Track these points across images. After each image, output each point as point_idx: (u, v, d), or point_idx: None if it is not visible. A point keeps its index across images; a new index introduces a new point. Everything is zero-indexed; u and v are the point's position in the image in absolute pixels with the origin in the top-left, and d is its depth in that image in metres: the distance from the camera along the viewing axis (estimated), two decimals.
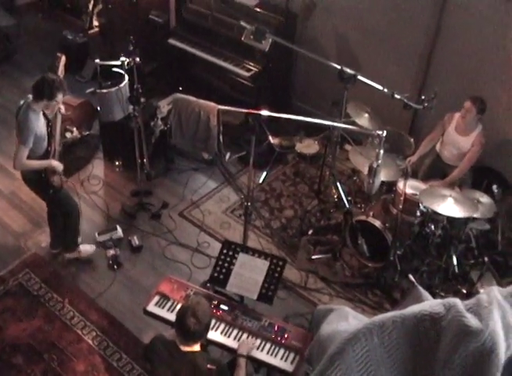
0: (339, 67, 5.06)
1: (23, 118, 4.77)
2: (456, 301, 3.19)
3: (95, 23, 8.68)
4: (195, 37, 7.36)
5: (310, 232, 5.97)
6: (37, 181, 5.09)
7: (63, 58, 5.27)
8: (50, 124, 5.05)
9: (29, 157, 4.84)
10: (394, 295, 5.42)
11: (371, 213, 5.48)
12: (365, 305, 5.34)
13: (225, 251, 4.45)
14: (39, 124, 4.84)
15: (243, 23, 5.26)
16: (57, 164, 5.06)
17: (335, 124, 5.00)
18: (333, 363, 3.20)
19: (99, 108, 6.04)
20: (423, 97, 5.25)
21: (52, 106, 4.90)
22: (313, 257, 5.75)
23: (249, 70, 6.84)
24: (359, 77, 5.04)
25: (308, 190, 6.55)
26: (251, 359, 3.98)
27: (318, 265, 5.70)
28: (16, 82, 8.39)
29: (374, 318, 3.30)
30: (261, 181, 6.58)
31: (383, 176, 4.84)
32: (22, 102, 4.91)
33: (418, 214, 5.29)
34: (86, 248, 5.72)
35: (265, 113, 4.29)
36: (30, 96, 4.85)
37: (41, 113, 4.92)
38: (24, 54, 9.09)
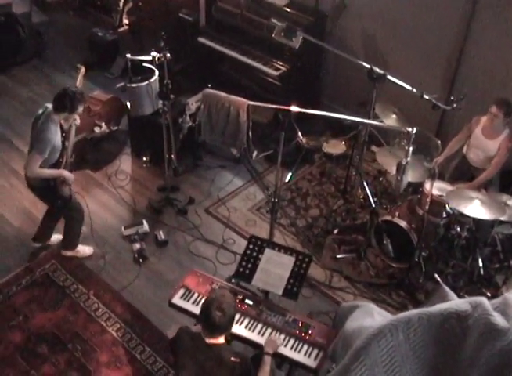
0: (368, 66, 5.09)
1: (44, 128, 4.84)
2: (483, 299, 3.18)
3: (125, 20, 8.80)
4: (224, 35, 7.43)
5: (335, 231, 5.99)
6: (45, 189, 5.14)
7: (83, 69, 5.40)
8: (64, 134, 5.09)
9: (40, 166, 4.89)
10: (418, 297, 5.42)
11: (397, 213, 5.49)
12: (389, 305, 5.34)
13: (251, 246, 4.49)
14: (57, 136, 4.92)
15: (273, 21, 5.30)
16: (68, 175, 5.10)
17: (364, 120, 4.99)
18: (358, 357, 3.21)
19: (128, 103, 6.11)
20: (452, 98, 5.25)
21: (72, 118, 4.99)
22: (338, 256, 5.76)
23: (277, 69, 6.88)
24: (388, 77, 5.05)
25: (334, 190, 6.57)
26: (275, 355, 3.99)
27: (342, 265, 5.72)
28: (46, 77, 8.57)
29: (400, 314, 3.30)
30: (287, 180, 6.61)
31: (410, 177, 4.84)
32: (41, 111, 4.98)
33: (444, 215, 5.29)
34: (85, 250, 5.79)
35: (294, 109, 4.32)
36: (50, 106, 4.91)
37: (59, 124, 5.00)
38: (55, 50, 9.25)
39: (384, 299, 5.41)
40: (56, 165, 5.05)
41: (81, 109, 4.95)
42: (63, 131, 5.06)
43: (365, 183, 5.99)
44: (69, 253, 5.73)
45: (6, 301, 5.30)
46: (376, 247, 5.69)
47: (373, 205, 5.74)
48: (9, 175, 6.77)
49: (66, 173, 5.08)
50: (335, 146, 6.43)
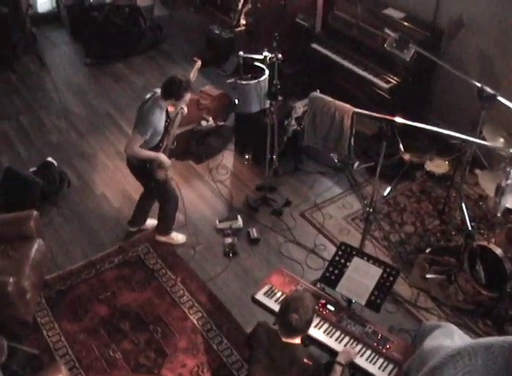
0: (479, 85, 5.03)
1: (149, 112, 5.03)
2: None
3: (243, 21, 9.01)
4: (338, 44, 7.49)
5: (428, 250, 5.92)
6: (141, 168, 5.33)
7: (199, 62, 5.57)
8: (168, 121, 5.27)
9: (140, 147, 5.10)
10: (505, 328, 5.27)
11: (493, 240, 5.36)
12: (474, 333, 5.21)
13: (340, 253, 4.53)
14: (161, 120, 5.10)
15: (387, 31, 5.32)
16: (164, 159, 5.25)
17: (470, 138, 4.92)
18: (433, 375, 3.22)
19: (236, 100, 6.29)
20: None
21: (179, 105, 5.17)
22: (427, 276, 5.70)
23: (388, 81, 6.88)
24: (499, 98, 4.98)
25: (431, 209, 6.50)
26: (349, 364, 4.00)
27: (431, 285, 5.65)
28: (160, 68, 8.98)
29: (482, 339, 3.25)
30: (385, 193, 6.60)
31: (509, 202, 4.74)
32: (149, 95, 5.18)
33: None
34: (178, 237, 5.98)
35: (399, 120, 4.34)
36: (158, 91, 5.11)
37: (165, 110, 5.19)
38: (172, 43, 9.66)
39: (469, 326, 5.28)
40: (155, 149, 5.23)
41: (187, 97, 5.11)
42: (168, 117, 5.26)
43: (464, 206, 5.91)
44: (162, 238, 5.95)
45: (98, 276, 5.60)
46: (468, 272, 5.57)
47: (470, 229, 5.65)
48: (114, 156, 7.15)
49: (163, 157, 5.25)
50: (438, 165, 6.36)
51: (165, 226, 5.90)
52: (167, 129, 5.27)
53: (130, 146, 5.09)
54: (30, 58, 9.13)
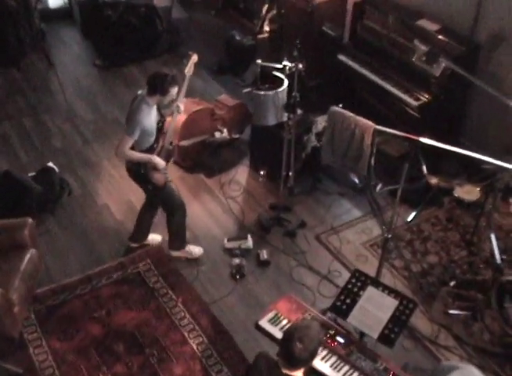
0: None
1: (135, 109, 5.07)
2: None
3: (266, 28, 9.07)
4: (366, 56, 7.49)
5: (452, 283, 5.86)
6: (137, 173, 5.36)
7: (195, 56, 5.59)
8: (162, 120, 5.32)
9: (133, 149, 5.14)
10: None
11: None
12: None
13: (353, 281, 4.51)
14: (149, 118, 5.12)
15: (416, 43, 5.29)
16: (158, 161, 5.27)
17: (505, 164, 4.88)
18: None
19: (252, 110, 6.31)
20: None
21: (166, 101, 5.18)
22: (450, 311, 5.63)
23: (418, 99, 6.84)
24: None
25: (458, 239, 6.44)
26: None
27: (453, 322, 5.58)
28: (175, 74, 8.97)
29: None
30: (409, 219, 6.56)
31: None
32: (139, 92, 5.23)
33: None
34: (194, 250, 5.99)
35: (425, 140, 4.32)
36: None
37: (155, 108, 5.21)
38: (189, 48, 9.58)
39: (494, 370, 5.19)
40: (150, 150, 5.27)
41: (173, 92, 5.11)
42: (162, 116, 5.31)
43: (493, 236, 5.85)
44: (177, 253, 5.97)
45: (93, 292, 5.61)
46: (496, 310, 5.52)
47: (499, 262, 5.60)
48: (120, 166, 7.06)
49: (157, 159, 5.26)
50: (468, 192, 6.31)
51: (177, 239, 5.91)
52: (161, 129, 5.32)
53: (119, 149, 5.11)
54: (38, 56, 9.25)
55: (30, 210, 6.10)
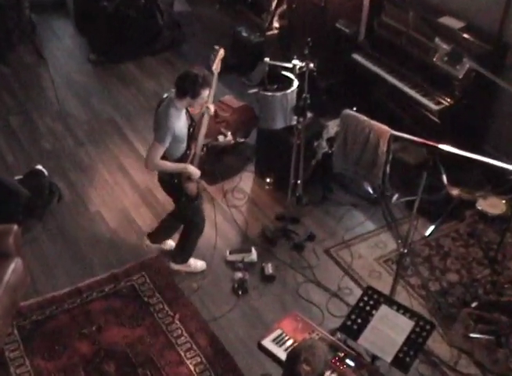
0: None
1: (164, 114, 4.94)
2: None
3: (276, 24, 9.03)
4: (383, 55, 7.44)
5: (474, 304, 5.79)
6: (170, 184, 5.30)
7: (221, 51, 5.41)
8: (193, 124, 5.22)
9: (164, 158, 5.02)
10: None
11: None
12: None
13: (365, 299, 4.46)
14: (180, 124, 5.00)
15: (437, 42, 5.23)
16: (193, 170, 5.19)
17: None
18: None
19: (259, 112, 6.25)
20: None
21: (197, 104, 5.08)
22: (471, 335, 5.55)
23: (439, 103, 6.78)
24: None
25: (481, 256, 6.37)
26: None
27: (475, 346, 5.50)
28: (176, 72, 8.73)
29: None
30: (427, 233, 6.49)
31: None
32: (165, 95, 5.11)
33: None
34: (196, 265, 5.96)
35: (444, 147, 4.26)
36: (174, 91, 5.03)
37: (184, 111, 5.10)
38: (192, 44, 9.71)
39: None
40: (183, 159, 5.17)
41: (205, 94, 5.00)
42: (192, 120, 5.21)
43: None
44: (177, 267, 5.93)
45: (83, 306, 5.55)
46: None
47: None
48: (116, 170, 7.14)
49: (191, 168, 5.17)
50: (493, 205, 6.23)
51: (184, 254, 5.89)
52: (192, 134, 5.21)
53: (150, 159, 5.01)
54: (27, 49, 9.26)
55: (15, 216, 6.03)
